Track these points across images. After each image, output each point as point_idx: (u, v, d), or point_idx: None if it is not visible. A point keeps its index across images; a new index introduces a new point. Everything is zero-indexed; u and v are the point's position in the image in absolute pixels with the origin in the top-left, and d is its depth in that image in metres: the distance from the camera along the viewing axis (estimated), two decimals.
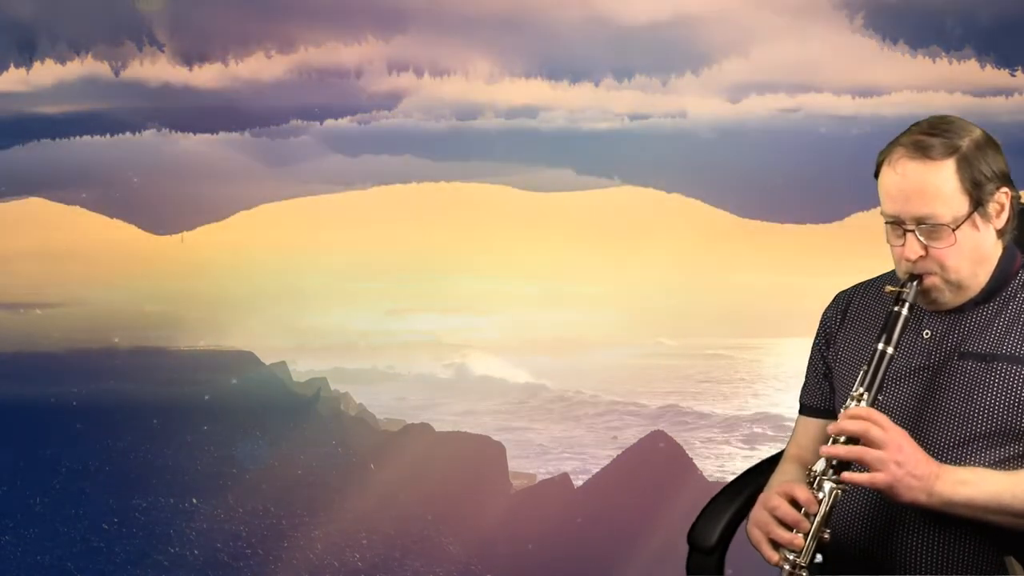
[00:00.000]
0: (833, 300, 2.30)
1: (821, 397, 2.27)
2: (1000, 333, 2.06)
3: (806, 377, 2.31)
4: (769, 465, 2.35)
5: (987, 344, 2.06)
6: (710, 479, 7.80)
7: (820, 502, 1.98)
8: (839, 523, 2.06)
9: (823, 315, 2.30)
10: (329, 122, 8.25)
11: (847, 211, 8.11)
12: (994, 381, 2.03)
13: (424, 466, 7.71)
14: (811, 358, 2.30)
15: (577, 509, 7.69)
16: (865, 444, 1.95)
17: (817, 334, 2.30)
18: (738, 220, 8.54)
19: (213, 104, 7.99)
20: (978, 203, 2.02)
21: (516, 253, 9.28)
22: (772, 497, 2.03)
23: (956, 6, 7.22)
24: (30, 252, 8.69)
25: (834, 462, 1.98)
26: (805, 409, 2.30)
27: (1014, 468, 2.01)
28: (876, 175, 2.08)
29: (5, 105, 7.89)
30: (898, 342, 2.03)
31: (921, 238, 2.02)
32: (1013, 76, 7.19)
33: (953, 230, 2.01)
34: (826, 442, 1.99)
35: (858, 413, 1.98)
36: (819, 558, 1.98)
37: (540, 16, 7.71)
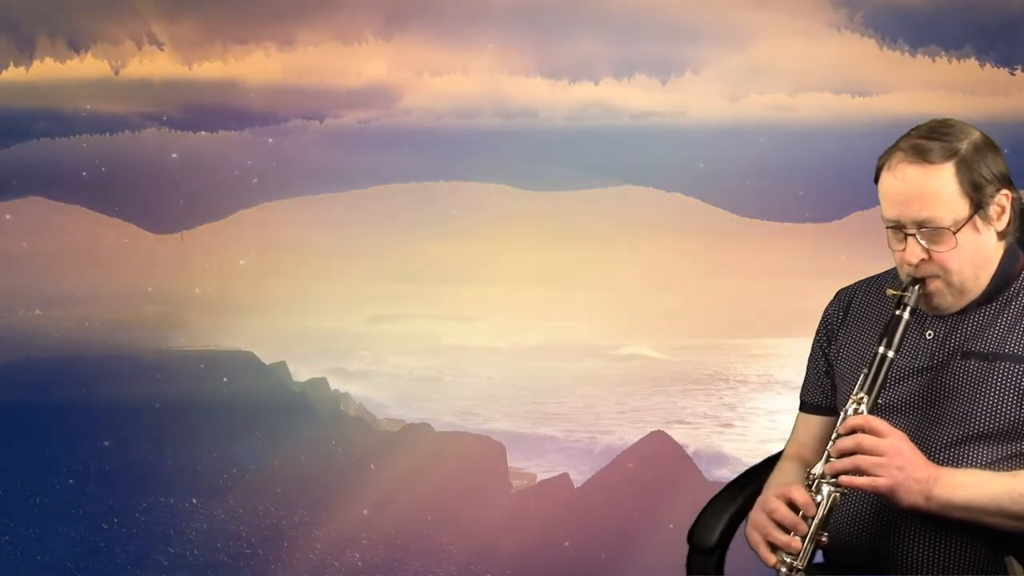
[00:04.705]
0: (835, 297, 2.30)
1: (822, 394, 2.27)
2: (1002, 333, 2.06)
3: (806, 374, 2.31)
4: (768, 464, 2.35)
5: (989, 344, 2.06)
6: (710, 479, 7.80)
7: (818, 505, 1.98)
8: (840, 524, 2.06)
9: (824, 312, 2.30)
10: (329, 122, 8.25)
11: (847, 211, 8.11)
12: (996, 380, 2.03)
13: (424, 466, 7.71)
14: (812, 355, 2.30)
15: (577, 509, 7.69)
16: (862, 454, 1.96)
17: (818, 331, 2.30)
18: (738, 220, 8.54)
19: (213, 103, 7.99)
20: (979, 206, 2.02)
21: (516, 254, 9.27)
22: (770, 500, 2.03)
23: (956, 6, 7.21)
24: (30, 252, 8.69)
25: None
26: (805, 406, 2.30)
27: (1016, 467, 2.01)
28: (876, 180, 2.08)
29: (5, 105, 7.89)
30: (900, 345, 2.03)
31: (923, 242, 2.02)
32: (1013, 76, 7.19)
33: (954, 233, 2.01)
34: (827, 459, 2.00)
35: (851, 425, 1.98)
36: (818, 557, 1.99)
37: (540, 16, 7.71)
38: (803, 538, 1.97)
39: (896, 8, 7.36)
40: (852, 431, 1.98)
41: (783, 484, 2.07)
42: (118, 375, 8.24)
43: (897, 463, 1.94)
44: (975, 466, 2.01)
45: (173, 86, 7.85)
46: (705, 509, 2.36)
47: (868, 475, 1.95)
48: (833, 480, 1.97)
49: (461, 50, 7.86)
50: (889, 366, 2.02)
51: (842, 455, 1.97)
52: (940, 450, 2.03)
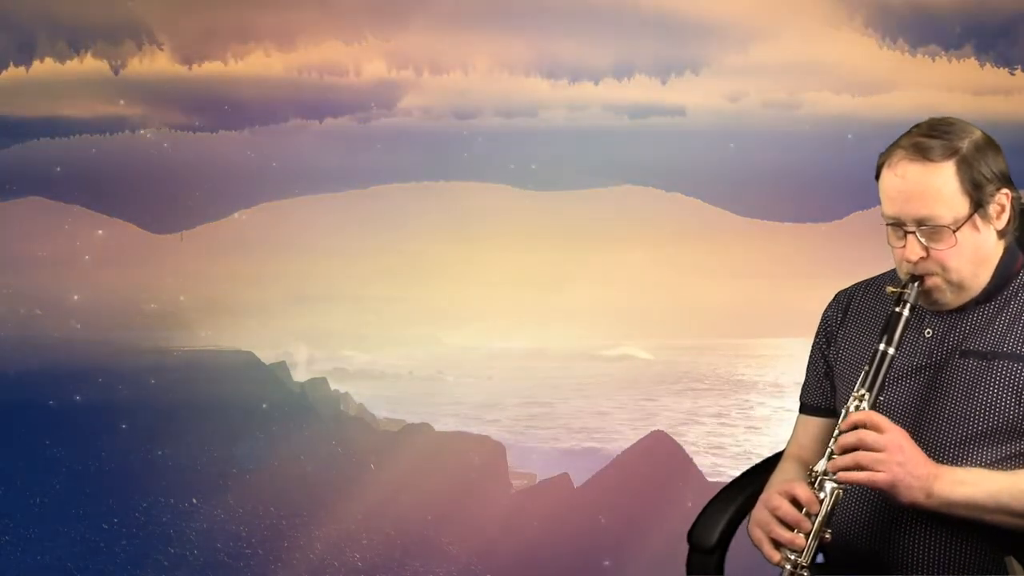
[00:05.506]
0: (834, 299, 2.31)
1: (821, 396, 2.27)
2: (1001, 331, 2.06)
3: (806, 376, 2.31)
4: (769, 465, 2.35)
5: (988, 342, 2.06)
6: (710, 479, 7.80)
7: (821, 502, 1.98)
8: (841, 523, 2.07)
9: (824, 314, 2.30)
10: (329, 121, 8.24)
11: (847, 210, 8.11)
12: (995, 379, 2.03)
13: (424, 466, 7.70)
14: (811, 357, 2.31)
15: (577, 509, 7.69)
16: (863, 450, 1.96)
17: (818, 333, 2.30)
18: (738, 219, 8.54)
19: (213, 103, 7.99)
20: (978, 204, 2.02)
21: (516, 254, 9.27)
22: (773, 497, 2.03)
23: (956, 6, 7.21)
24: (30, 252, 8.68)
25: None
26: (805, 408, 2.31)
27: (1015, 466, 2.01)
28: (877, 178, 2.09)
29: (4, 105, 7.88)
30: (899, 343, 2.03)
31: (922, 239, 2.02)
32: (1013, 75, 7.18)
33: (954, 231, 2.01)
34: (830, 456, 2.00)
35: (853, 420, 1.98)
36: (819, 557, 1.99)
37: (539, 14, 7.71)
38: (807, 535, 1.98)
39: (896, 8, 7.36)
40: (854, 427, 1.98)
41: (786, 481, 2.08)
42: (118, 375, 8.22)
43: (897, 459, 1.95)
44: (975, 467, 2.01)
45: (173, 86, 7.84)
46: (705, 509, 2.37)
47: (868, 470, 1.95)
48: (836, 476, 1.98)
49: (461, 50, 7.86)
50: (890, 363, 2.02)
51: (844, 451, 1.98)
52: (941, 449, 2.03)
